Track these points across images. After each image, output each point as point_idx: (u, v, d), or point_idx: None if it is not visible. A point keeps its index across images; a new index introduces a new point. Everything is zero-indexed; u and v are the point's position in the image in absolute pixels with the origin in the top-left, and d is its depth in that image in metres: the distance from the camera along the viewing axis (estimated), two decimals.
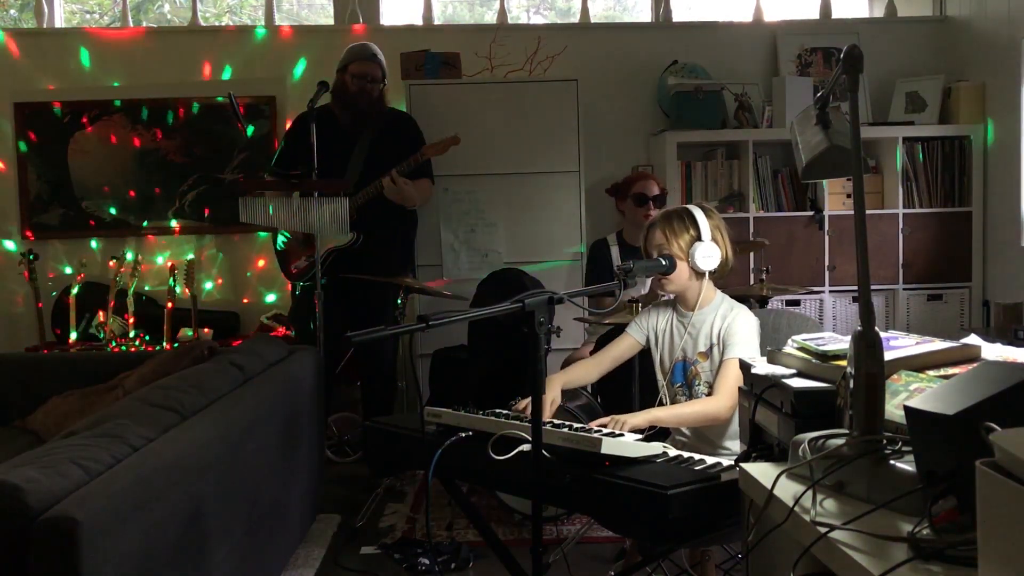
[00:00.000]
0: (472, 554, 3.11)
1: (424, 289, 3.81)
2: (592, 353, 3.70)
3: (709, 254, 2.39)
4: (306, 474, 3.14)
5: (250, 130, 4.76)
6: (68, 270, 4.81)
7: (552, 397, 2.38)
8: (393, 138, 4.08)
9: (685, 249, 2.40)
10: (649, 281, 3.82)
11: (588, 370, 2.56)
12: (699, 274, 2.42)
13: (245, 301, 4.94)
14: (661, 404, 2.51)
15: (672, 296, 2.53)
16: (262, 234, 4.79)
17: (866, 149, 4.74)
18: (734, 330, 2.38)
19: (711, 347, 2.42)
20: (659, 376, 2.54)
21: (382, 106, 4.09)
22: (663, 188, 4.06)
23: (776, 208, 4.77)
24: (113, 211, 4.86)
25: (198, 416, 2.31)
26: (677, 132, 4.66)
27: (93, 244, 4.89)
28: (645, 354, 2.60)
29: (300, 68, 4.79)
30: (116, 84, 4.83)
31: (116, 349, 4.32)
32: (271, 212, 3.64)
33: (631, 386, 2.96)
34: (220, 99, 4.71)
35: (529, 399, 2.25)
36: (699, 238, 2.40)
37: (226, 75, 4.86)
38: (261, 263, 4.92)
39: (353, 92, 3.98)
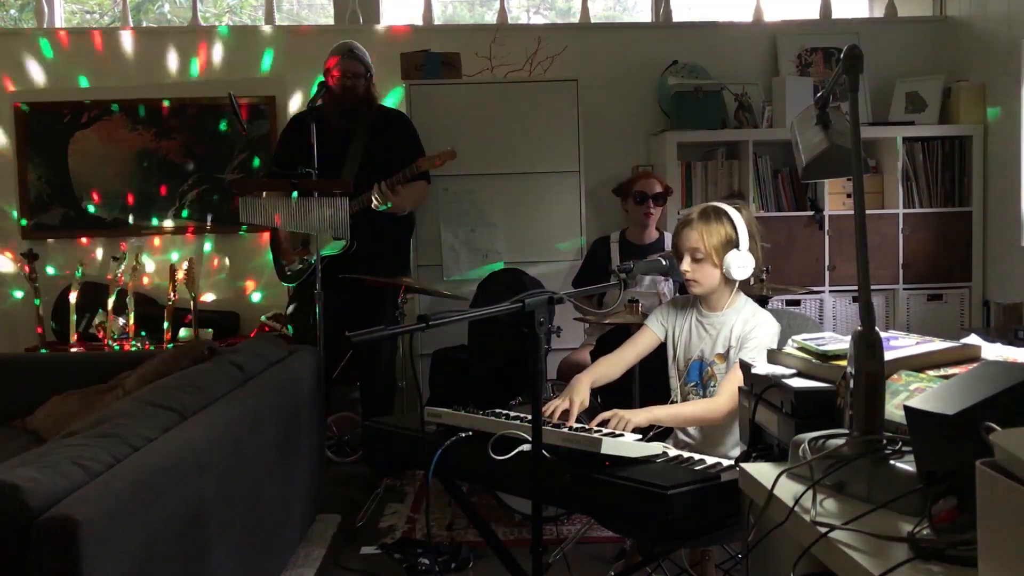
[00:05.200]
0: (472, 554, 3.11)
1: (424, 289, 3.80)
2: (592, 353, 3.72)
3: (743, 264, 2.35)
4: (306, 474, 3.14)
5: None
6: (68, 270, 4.80)
7: (581, 399, 2.30)
8: (388, 138, 4.07)
9: (720, 253, 2.35)
10: (646, 281, 3.82)
11: (613, 367, 2.49)
12: (730, 280, 2.40)
13: (245, 301, 4.94)
14: (672, 402, 2.49)
15: (696, 296, 2.48)
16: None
17: (866, 149, 4.74)
18: (753, 335, 2.35)
19: (729, 349, 2.39)
20: (672, 374, 2.51)
21: (371, 101, 4.09)
22: (666, 186, 4.06)
23: (776, 208, 4.76)
24: (113, 211, 4.86)
25: (198, 416, 2.31)
26: (677, 132, 4.66)
27: (93, 244, 4.89)
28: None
29: (300, 68, 4.79)
30: (116, 84, 4.82)
31: (116, 348, 4.32)
32: (270, 212, 3.64)
33: (631, 385, 2.95)
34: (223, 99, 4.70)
35: (556, 402, 2.25)
36: (736, 245, 2.36)
37: (226, 75, 4.85)
38: (261, 263, 4.92)
39: (339, 91, 3.98)
